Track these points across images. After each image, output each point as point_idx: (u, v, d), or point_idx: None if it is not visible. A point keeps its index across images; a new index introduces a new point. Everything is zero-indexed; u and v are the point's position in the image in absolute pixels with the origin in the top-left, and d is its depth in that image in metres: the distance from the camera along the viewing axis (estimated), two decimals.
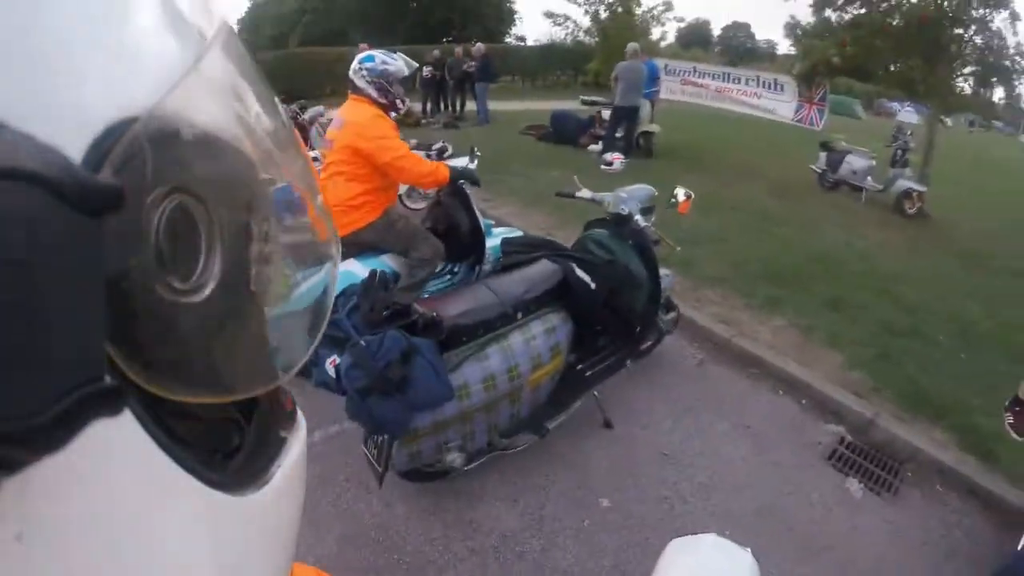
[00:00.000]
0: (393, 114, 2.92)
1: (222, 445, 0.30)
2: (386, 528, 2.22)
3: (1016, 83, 7.90)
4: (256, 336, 0.30)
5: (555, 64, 23.28)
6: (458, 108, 13.45)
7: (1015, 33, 7.69)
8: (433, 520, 2.25)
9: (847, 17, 8.15)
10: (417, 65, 3.25)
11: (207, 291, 0.25)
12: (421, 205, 5.51)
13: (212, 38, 0.27)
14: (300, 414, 0.37)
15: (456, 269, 3.37)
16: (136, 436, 0.22)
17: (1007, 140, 30.65)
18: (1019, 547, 2.12)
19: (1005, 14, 7.45)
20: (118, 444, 0.22)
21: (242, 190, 0.28)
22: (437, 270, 3.13)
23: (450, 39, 23.35)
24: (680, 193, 2.94)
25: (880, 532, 2.45)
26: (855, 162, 8.16)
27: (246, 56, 0.29)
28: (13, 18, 0.18)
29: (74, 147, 0.19)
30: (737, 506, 2.45)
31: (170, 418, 0.24)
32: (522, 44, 27.00)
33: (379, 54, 2.83)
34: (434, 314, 2.00)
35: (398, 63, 2.82)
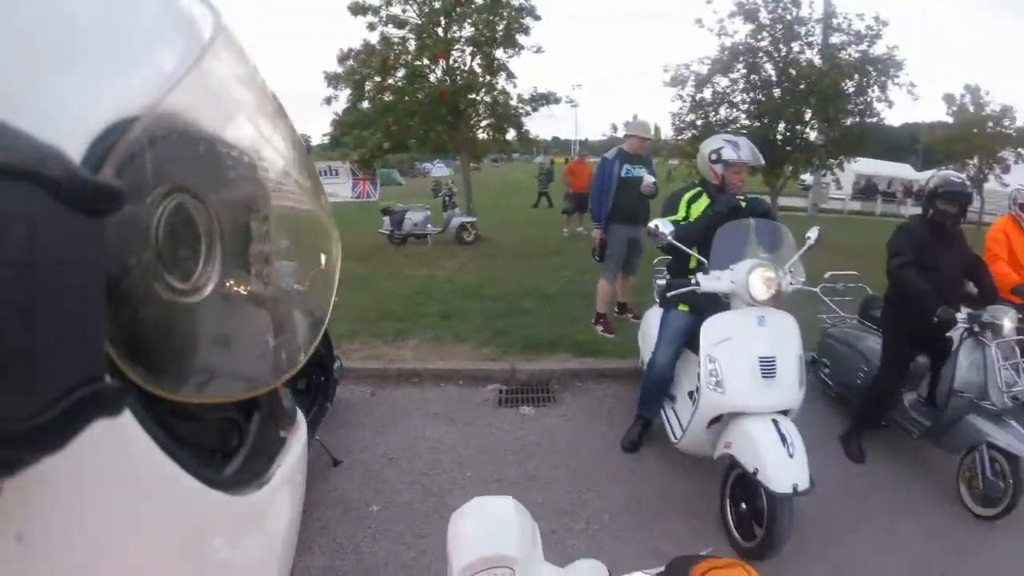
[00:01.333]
0: None
1: (222, 445, 0.30)
2: None
3: (523, 125, 10.56)
4: (256, 336, 0.30)
5: None
6: None
7: (515, 86, 10.32)
8: None
9: (382, 102, 9.70)
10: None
11: (207, 291, 0.25)
12: None
13: (211, 36, 0.27)
14: (300, 413, 0.38)
15: None
16: (136, 436, 0.22)
17: (523, 165, 40.74)
18: (644, 365, 3.37)
19: (504, 76, 9.99)
20: (118, 444, 0.21)
21: (242, 189, 0.28)
22: None
23: None
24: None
25: (563, 426, 3.58)
26: (415, 216, 10.01)
27: (244, 54, 0.30)
28: (13, 19, 0.18)
29: (74, 147, 0.18)
30: (467, 461, 3.19)
31: (170, 418, 0.24)
32: None
33: None
34: None
35: None
